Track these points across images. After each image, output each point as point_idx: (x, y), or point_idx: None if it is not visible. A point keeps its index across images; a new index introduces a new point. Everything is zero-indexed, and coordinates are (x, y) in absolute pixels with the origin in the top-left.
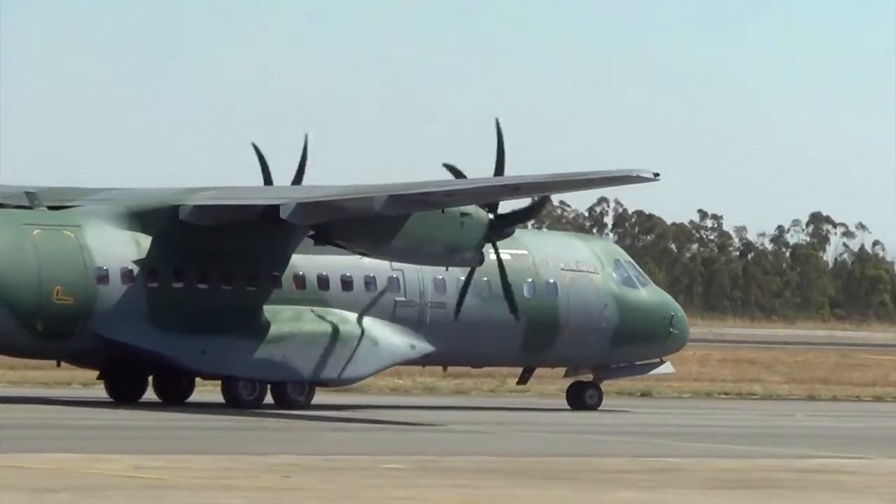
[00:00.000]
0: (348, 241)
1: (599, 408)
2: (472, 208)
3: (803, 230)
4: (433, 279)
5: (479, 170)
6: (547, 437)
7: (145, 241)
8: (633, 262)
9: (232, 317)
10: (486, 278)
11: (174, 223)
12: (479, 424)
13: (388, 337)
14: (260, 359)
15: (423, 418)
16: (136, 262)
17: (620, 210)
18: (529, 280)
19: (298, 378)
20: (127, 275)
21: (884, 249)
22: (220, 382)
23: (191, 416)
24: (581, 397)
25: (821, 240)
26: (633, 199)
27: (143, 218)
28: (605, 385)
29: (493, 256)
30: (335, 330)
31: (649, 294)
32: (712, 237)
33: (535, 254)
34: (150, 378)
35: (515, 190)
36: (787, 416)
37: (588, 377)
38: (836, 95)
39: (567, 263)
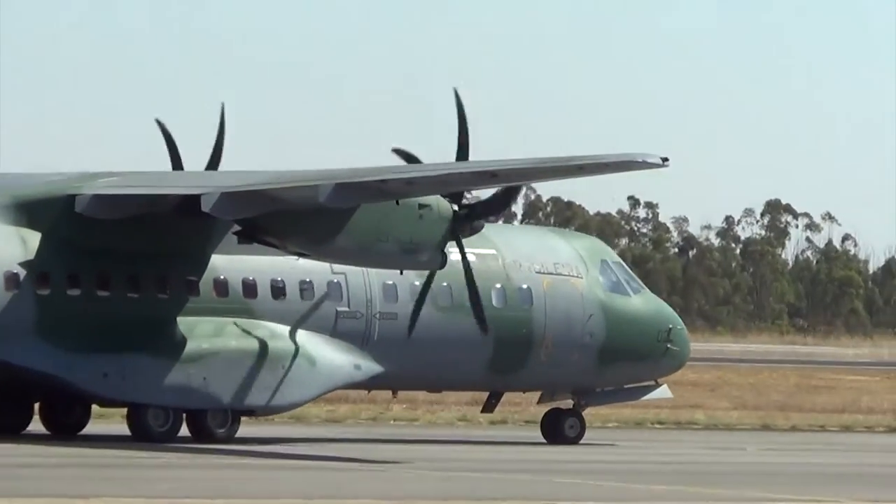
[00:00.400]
0: (282, 238)
1: (581, 440)
2: (432, 199)
3: (757, 222)
4: (382, 285)
5: (437, 155)
6: (442, 476)
7: (34, 238)
8: (623, 264)
9: (140, 331)
10: (445, 283)
11: (69, 217)
12: (359, 462)
13: (328, 355)
14: (174, 383)
15: (318, 451)
16: (23, 265)
17: (532, 196)
18: (498, 286)
19: (220, 406)
20: (11, 280)
21: (856, 245)
22: (125, 411)
23: (62, 450)
24: (559, 428)
25: (779, 234)
26: (548, 182)
27: (32, 210)
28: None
29: (457, 257)
30: (264, 347)
31: (643, 302)
32: (645, 230)
33: (505, 254)
34: (37, 405)
35: (492, 177)
36: (737, 449)
37: (568, 404)
38: (799, 64)
39: (544, 265)
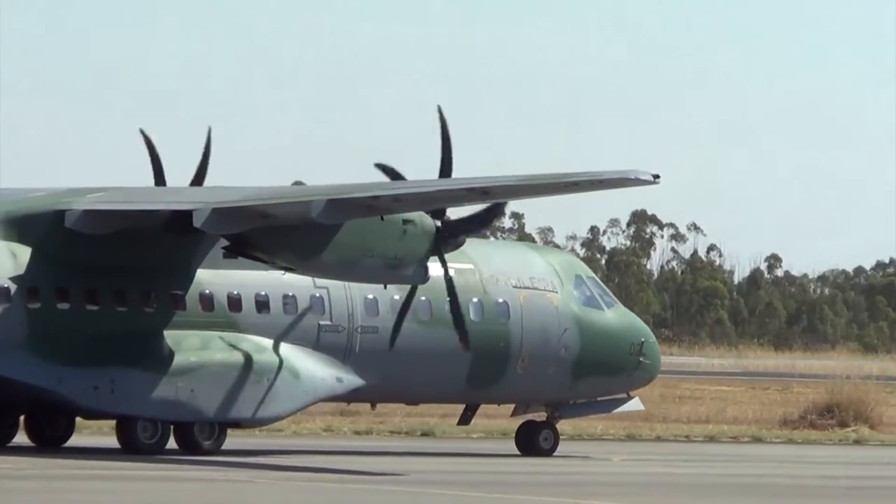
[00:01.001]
0: (270, 253)
1: (555, 453)
2: (416, 215)
3: (623, 232)
4: (363, 299)
5: (418, 172)
6: (445, 491)
7: (24, 252)
8: (597, 279)
9: (128, 345)
10: (424, 297)
11: (59, 232)
12: (360, 475)
13: (311, 369)
14: (162, 396)
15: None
16: (14, 279)
17: None
18: (475, 300)
19: (207, 418)
20: (3, 294)
21: (721, 256)
22: (114, 424)
23: (51, 461)
24: (534, 440)
25: (644, 244)
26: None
27: (21, 225)
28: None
29: (439, 272)
30: (249, 360)
31: (616, 316)
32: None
33: (482, 268)
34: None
35: (484, 194)
36: (602, 460)
37: (542, 416)
38: (665, 71)
39: (520, 280)
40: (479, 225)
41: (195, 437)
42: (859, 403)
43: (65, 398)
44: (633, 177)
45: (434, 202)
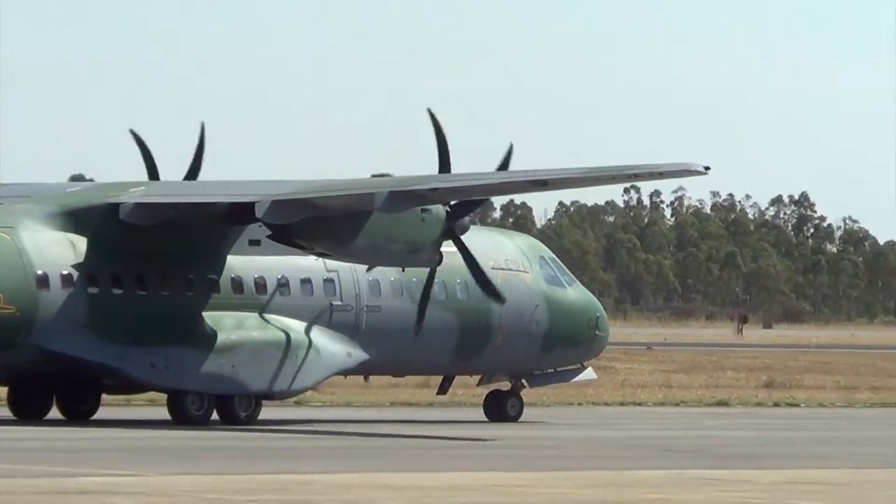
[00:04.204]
0: (310, 240)
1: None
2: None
3: None
4: (368, 281)
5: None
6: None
7: (81, 242)
8: (557, 259)
9: (176, 325)
10: (414, 279)
11: (113, 223)
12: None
13: (327, 344)
14: (209, 371)
15: None
16: (75, 266)
17: None
18: (460, 280)
19: (246, 391)
20: (67, 279)
21: None
22: (166, 397)
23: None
24: (501, 407)
25: None
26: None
27: (78, 217)
28: None
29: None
30: (278, 338)
31: (576, 294)
32: None
33: None
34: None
35: (543, 185)
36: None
37: (506, 385)
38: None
39: (497, 261)
40: (475, 206)
41: (235, 408)
42: None
43: (126, 374)
44: (692, 168)
45: (493, 193)
